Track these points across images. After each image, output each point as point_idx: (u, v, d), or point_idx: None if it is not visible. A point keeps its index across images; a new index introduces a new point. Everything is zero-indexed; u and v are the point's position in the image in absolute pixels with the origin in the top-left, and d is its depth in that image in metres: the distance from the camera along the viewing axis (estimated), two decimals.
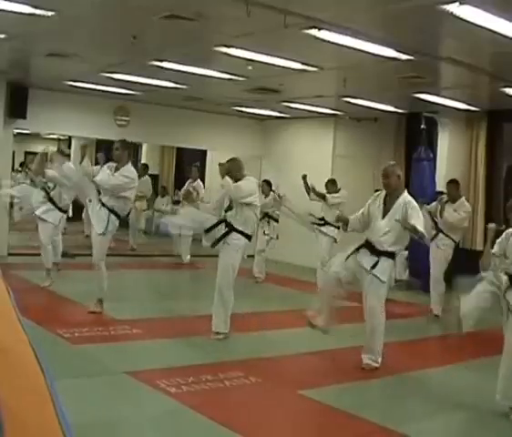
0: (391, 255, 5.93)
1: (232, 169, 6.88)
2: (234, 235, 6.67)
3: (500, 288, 5.06)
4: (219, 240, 6.70)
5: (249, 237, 6.76)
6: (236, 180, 6.77)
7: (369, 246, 5.95)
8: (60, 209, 8.66)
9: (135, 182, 7.43)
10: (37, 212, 8.56)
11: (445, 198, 8.73)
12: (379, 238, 5.90)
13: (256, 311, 8.47)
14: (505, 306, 4.99)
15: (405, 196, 6.03)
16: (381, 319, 5.94)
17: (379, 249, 5.89)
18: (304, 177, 10.29)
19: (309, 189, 10.29)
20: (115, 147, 7.44)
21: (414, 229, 5.72)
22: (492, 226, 5.40)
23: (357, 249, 6.01)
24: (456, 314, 5.49)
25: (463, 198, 8.76)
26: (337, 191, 10.22)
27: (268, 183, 11.16)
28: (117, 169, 7.23)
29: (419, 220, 5.82)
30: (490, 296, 5.25)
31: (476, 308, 5.35)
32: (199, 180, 12.41)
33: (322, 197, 10.16)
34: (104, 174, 7.19)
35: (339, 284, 6.06)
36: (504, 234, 5.14)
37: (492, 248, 5.19)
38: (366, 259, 5.91)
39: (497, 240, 5.15)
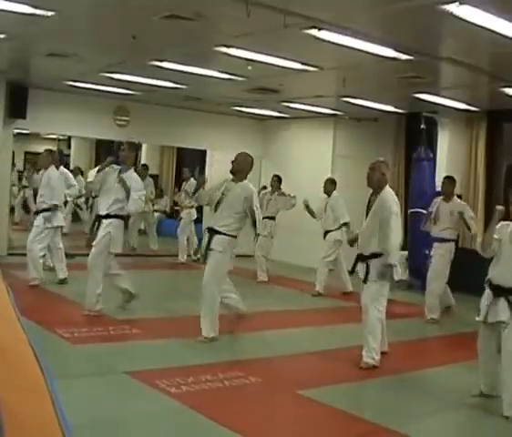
0: (379, 255, 5.90)
1: (243, 163, 6.64)
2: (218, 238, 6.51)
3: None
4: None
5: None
6: (240, 179, 6.55)
7: (360, 256, 6.04)
8: (43, 211, 8.64)
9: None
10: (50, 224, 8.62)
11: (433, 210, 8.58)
12: (365, 244, 5.95)
13: (256, 311, 8.47)
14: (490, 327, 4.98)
15: (384, 193, 5.99)
16: (370, 315, 5.91)
17: (367, 255, 5.94)
18: (307, 205, 10.07)
19: (313, 213, 10.10)
20: (122, 148, 7.41)
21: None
22: (500, 208, 5.32)
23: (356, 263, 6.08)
24: None
25: (455, 197, 8.61)
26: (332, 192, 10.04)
27: (279, 179, 11.16)
28: (120, 172, 7.20)
29: (392, 234, 5.80)
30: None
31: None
32: (192, 179, 12.48)
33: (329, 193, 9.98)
34: (131, 207, 7.16)
35: None
36: (500, 224, 5.11)
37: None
38: (360, 269, 6.02)
39: (497, 226, 5.12)
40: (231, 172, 6.59)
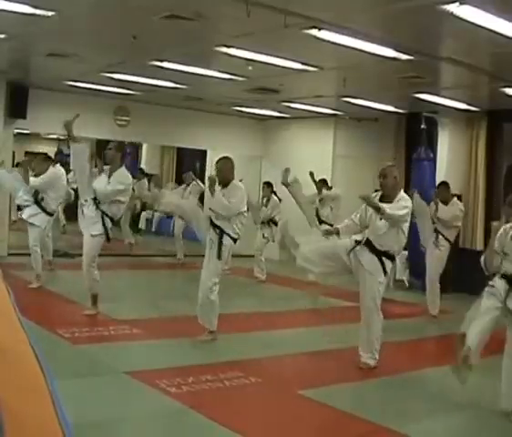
0: (390, 256, 5.94)
1: (225, 170, 6.53)
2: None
3: (500, 297, 4.97)
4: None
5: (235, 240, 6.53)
6: (226, 183, 6.44)
7: (369, 244, 5.96)
8: (47, 213, 8.65)
9: (130, 187, 7.36)
10: (24, 216, 8.61)
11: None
12: (378, 238, 5.91)
13: (256, 311, 8.48)
14: (506, 312, 4.95)
15: (401, 195, 6.04)
16: (376, 318, 5.93)
17: (378, 249, 5.90)
18: (312, 175, 10.43)
19: (318, 185, 10.46)
20: (108, 147, 7.37)
21: (376, 208, 5.78)
22: (496, 224, 5.30)
23: (357, 243, 6.01)
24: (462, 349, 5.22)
25: (455, 199, 8.71)
26: (329, 189, 10.34)
27: (269, 185, 11.15)
28: (110, 172, 7.09)
29: (393, 208, 5.83)
30: (493, 322, 5.00)
31: (479, 344, 5.03)
32: (193, 182, 12.36)
33: (320, 189, 10.35)
34: (101, 183, 7.05)
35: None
36: (502, 229, 5.09)
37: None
38: (365, 257, 5.92)
39: (496, 236, 5.10)
40: (219, 183, 6.46)
